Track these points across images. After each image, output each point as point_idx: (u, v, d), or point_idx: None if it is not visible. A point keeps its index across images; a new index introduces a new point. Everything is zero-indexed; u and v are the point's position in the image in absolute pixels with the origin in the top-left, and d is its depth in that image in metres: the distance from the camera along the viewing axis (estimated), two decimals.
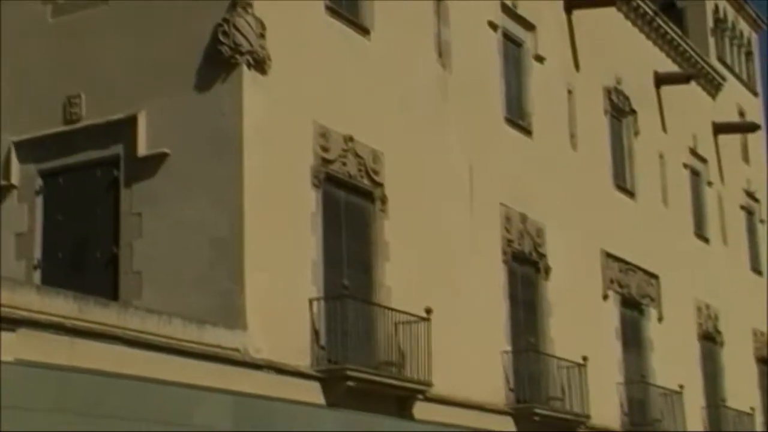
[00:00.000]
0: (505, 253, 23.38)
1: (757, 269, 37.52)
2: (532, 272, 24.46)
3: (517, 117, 24.88)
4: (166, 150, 17.53)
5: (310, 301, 17.89)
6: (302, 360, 17.59)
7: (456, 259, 21.84)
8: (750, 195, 37.84)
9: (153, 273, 17.18)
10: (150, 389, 14.76)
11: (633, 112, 30.06)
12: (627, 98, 29.79)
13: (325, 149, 18.77)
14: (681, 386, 28.81)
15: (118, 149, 17.88)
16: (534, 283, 24.48)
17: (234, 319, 16.54)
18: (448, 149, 22.20)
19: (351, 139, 19.35)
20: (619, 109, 29.57)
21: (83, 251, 17.90)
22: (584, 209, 26.84)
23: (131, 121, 17.77)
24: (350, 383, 17.86)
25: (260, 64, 17.62)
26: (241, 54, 17.37)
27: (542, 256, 24.63)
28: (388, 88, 20.72)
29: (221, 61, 17.39)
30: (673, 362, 29.53)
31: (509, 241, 23.56)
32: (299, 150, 18.36)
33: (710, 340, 32.67)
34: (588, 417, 24.31)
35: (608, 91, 29.07)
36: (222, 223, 17.01)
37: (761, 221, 38.61)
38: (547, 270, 24.70)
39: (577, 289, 25.83)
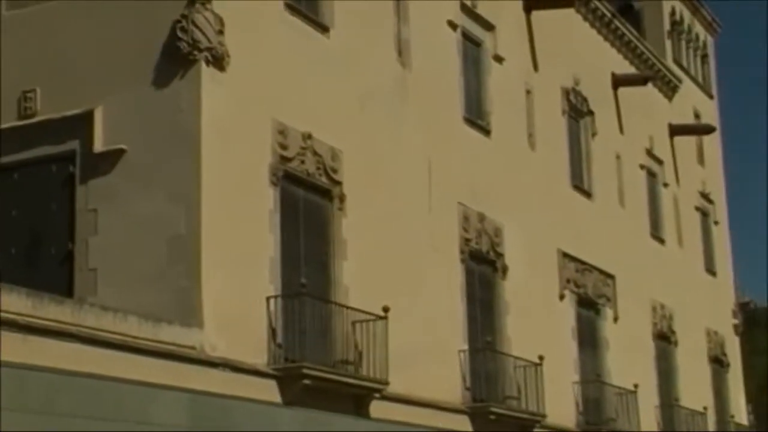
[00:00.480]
0: (462, 252, 23.45)
1: (711, 270, 37.91)
2: (489, 271, 24.54)
3: (476, 116, 24.96)
4: (123, 146, 17.39)
5: (268, 299, 17.83)
6: (259, 358, 17.53)
7: (414, 258, 21.87)
8: (705, 197, 38.23)
9: (109, 270, 17.04)
10: (105, 387, 14.66)
11: (591, 113, 30.26)
12: (585, 99, 29.98)
13: (283, 147, 18.71)
14: (636, 385, 29.03)
15: (74, 145, 17.71)
16: (491, 283, 24.57)
17: (190, 316, 16.45)
18: (406, 148, 22.22)
19: (310, 136, 19.31)
20: (577, 110, 29.75)
21: (38, 247, 17.72)
22: (542, 209, 26.97)
23: (88, 117, 17.60)
24: (307, 381, 17.83)
25: (219, 61, 17.53)
26: (200, 50, 17.27)
27: (500, 255, 24.72)
28: (348, 86, 20.70)
29: (179, 57, 17.28)
30: (628, 362, 29.76)
31: (467, 240, 23.63)
32: (258, 147, 18.29)
33: (665, 339, 32.97)
34: (544, 416, 24.44)
35: (566, 92, 29.24)
36: (179, 221, 16.91)
37: (715, 223, 39.03)
38: (505, 269, 24.80)
39: (534, 288, 25.96)
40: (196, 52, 17.25)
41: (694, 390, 33.88)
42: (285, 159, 18.74)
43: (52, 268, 17.45)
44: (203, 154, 17.09)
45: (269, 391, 17.55)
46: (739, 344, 39.58)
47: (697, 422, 32.90)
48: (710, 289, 37.42)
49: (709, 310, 36.56)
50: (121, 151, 17.39)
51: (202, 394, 16.13)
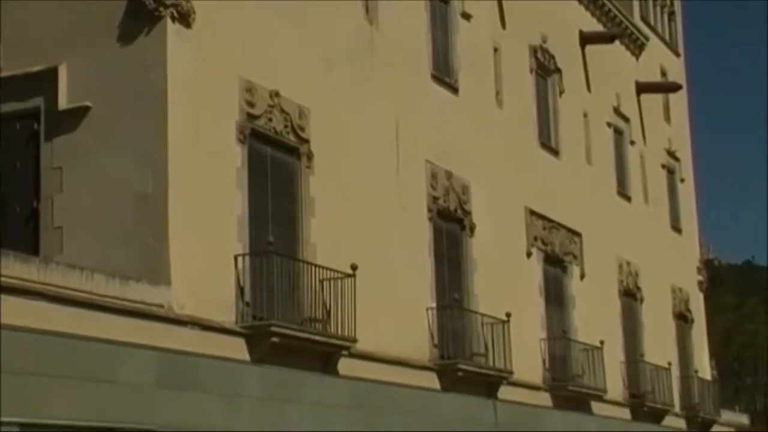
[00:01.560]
0: (430, 210, 23.48)
1: (676, 227, 38.21)
2: (457, 229, 24.61)
3: (444, 74, 24.91)
4: (88, 103, 17.23)
5: (235, 258, 17.80)
6: (227, 316, 17.53)
7: (382, 216, 21.89)
8: (671, 154, 38.44)
9: (74, 228, 16.94)
10: (73, 345, 14.63)
11: (558, 70, 30.27)
12: (552, 57, 29.97)
13: (250, 104, 18.61)
14: (601, 342, 29.31)
15: (38, 102, 17.51)
16: (459, 240, 24.64)
17: (158, 274, 16.41)
18: (374, 106, 22.16)
19: (277, 94, 19.21)
20: (545, 68, 29.75)
21: (2, 206, 17.57)
22: (509, 167, 27.03)
23: (52, 74, 17.40)
24: (275, 339, 17.86)
25: (185, 18, 17.36)
26: (165, 6, 17.09)
27: (467, 213, 24.79)
28: (315, 44, 20.58)
29: (145, 13, 17.10)
30: (595, 318, 30.03)
31: (435, 198, 23.66)
32: (224, 105, 18.18)
33: (630, 296, 33.26)
34: (511, 372, 24.63)
35: (534, 50, 29.21)
36: (145, 178, 16.81)
37: (681, 180, 39.30)
38: (472, 227, 24.87)
39: (502, 246, 26.07)
40: (161, 9, 17.07)
41: (659, 346, 34.26)
42: (252, 117, 18.64)
43: (17, 226, 17.31)
44: (169, 112, 16.97)
45: (237, 349, 17.57)
46: (703, 301, 40.01)
47: (661, 377, 33.30)
48: (675, 246, 37.74)
49: (674, 267, 36.90)
50: (86, 109, 17.22)
51: (171, 352, 16.13)
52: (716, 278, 58.84)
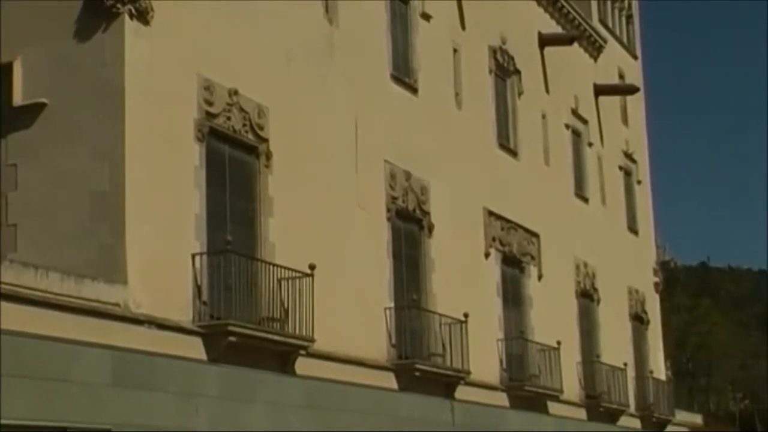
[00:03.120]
0: (389, 210, 23.47)
1: (633, 229, 38.49)
2: (415, 229, 24.62)
3: (403, 74, 24.91)
4: (43, 100, 17.05)
5: (193, 256, 17.70)
6: (184, 315, 17.42)
7: (340, 216, 21.84)
8: (628, 156, 38.71)
9: (29, 226, 16.76)
10: (27, 344, 14.46)
11: (517, 72, 30.37)
12: (511, 58, 30.07)
13: (209, 103, 18.51)
14: (558, 342, 29.44)
15: None
16: (417, 241, 24.65)
17: (114, 273, 16.27)
18: (333, 105, 22.12)
19: (236, 92, 19.11)
20: (504, 69, 29.83)
21: None
22: (468, 168, 27.08)
23: (6, 69, 17.20)
24: (232, 339, 17.77)
25: (143, 15, 17.22)
26: (123, 3, 16.95)
27: (426, 213, 24.80)
28: (274, 42, 20.50)
29: (102, 9, 16.95)
30: (552, 319, 30.16)
31: (393, 198, 23.65)
32: (183, 103, 18.05)
33: (587, 297, 33.45)
34: (468, 372, 24.69)
35: (493, 51, 29.29)
36: (102, 176, 16.67)
37: (638, 182, 39.58)
38: (431, 227, 24.89)
39: (460, 246, 26.11)
40: (119, 5, 16.93)
41: (615, 346, 34.48)
42: (211, 115, 18.53)
43: None
44: (127, 109, 16.83)
45: (194, 348, 17.47)
46: (658, 302, 40.33)
47: (617, 378, 33.52)
48: (632, 247, 38.01)
49: (630, 268, 37.15)
50: (42, 105, 17.05)
51: (127, 351, 16.00)
52: (672, 280, 59.35)
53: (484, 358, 26.20)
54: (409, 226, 24.36)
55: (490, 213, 27.95)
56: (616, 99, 38.22)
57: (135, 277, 16.46)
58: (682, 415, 40.35)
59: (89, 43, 17.04)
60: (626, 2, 40.29)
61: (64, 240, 16.54)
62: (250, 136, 19.50)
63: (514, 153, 29.89)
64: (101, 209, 16.59)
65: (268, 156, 19.80)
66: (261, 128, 19.68)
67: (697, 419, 43.20)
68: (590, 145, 35.28)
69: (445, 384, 24.38)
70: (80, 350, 15.23)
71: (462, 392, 24.85)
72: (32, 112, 17.05)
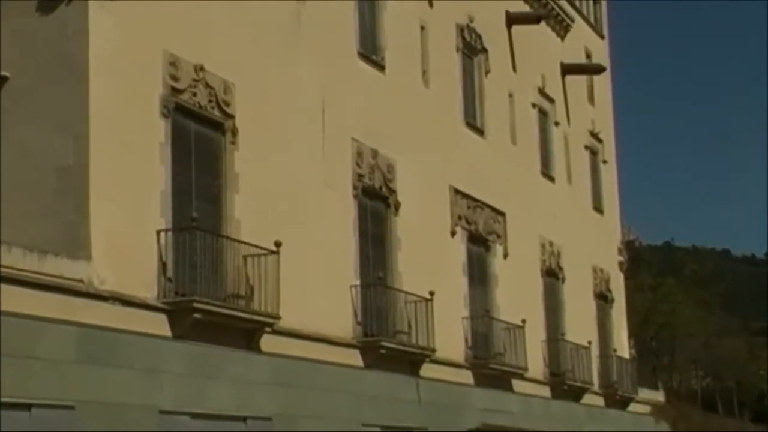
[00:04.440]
0: (355, 187, 23.46)
1: (598, 208, 38.69)
2: (382, 207, 24.63)
3: (370, 52, 24.85)
4: (5, 74, 16.88)
5: (158, 233, 17.63)
6: (149, 292, 17.36)
7: (306, 193, 21.82)
8: (594, 135, 38.87)
9: None
10: None
11: (484, 50, 30.38)
12: (479, 37, 30.07)
13: (174, 78, 18.40)
14: (523, 321, 29.59)
15: None
16: (384, 218, 24.67)
17: (78, 249, 16.17)
18: (300, 82, 22.05)
19: (202, 68, 19.01)
20: (471, 47, 29.83)
21: None
22: (434, 146, 27.10)
23: None
24: (197, 315, 17.74)
25: None
26: None
27: (392, 191, 24.82)
28: (241, 18, 20.39)
29: None
30: (517, 297, 30.30)
31: (360, 176, 23.64)
32: (148, 78, 17.93)
33: (553, 276, 33.63)
34: (433, 350, 24.77)
35: (461, 29, 29.27)
36: (66, 152, 16.54)
37: (604, 161, 39.78)
38: (397, 205, 24.92)
39: (426, 224, 26.16)
40: None
41: (580, 325, 34.71)
42: (176, 91, 18.43)
43: None
44: (91, 85, 16.70)
45: (159, 325, 17.43)
46: (623, 281, 40.61)
47: (581, 356, 33.75)
48: (597, 226, 38.22)
49: (596, 247, 37.38)
50: (4, 79, 16.87)
51: (91, 327, 15.94)
52: (636, 259, 59.72)
53: (450, 336, 26.30)
54: (375, 204, 24.38)
55: (457, 191, 28.01)
56: (582, 78, 38.35)
57: (99, 253, 16.38)
58: (644, 393, 40.73)
59: (52, 16, 16.88)
60: None
61: (27, 216, 16.41)
62: (216, 112, 19.41)
63: (480, 132, 29.94)
64: (65, 185, 16.48)
65: (234, 132, 19.72)
66: (227, 104, 19.59)
67: (659, 396, 43.63)
68: (557, 124, 35.40)
69: (410, 362, 24.47)
70: (44, 327, 15.16)
71: (427, 370, 24.94)
72: None
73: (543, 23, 34.14)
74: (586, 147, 38.17)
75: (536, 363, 30.95)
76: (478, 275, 28.89)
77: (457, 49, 29.18)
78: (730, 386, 78.26)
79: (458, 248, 27.98)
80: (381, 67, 25.14)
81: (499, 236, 30.05)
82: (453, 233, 27.73)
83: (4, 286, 14.67)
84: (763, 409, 67.30)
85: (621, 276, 40.33)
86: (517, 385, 29.70)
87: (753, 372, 77.15)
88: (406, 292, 24.30)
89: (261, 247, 19.35)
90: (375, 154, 24.24)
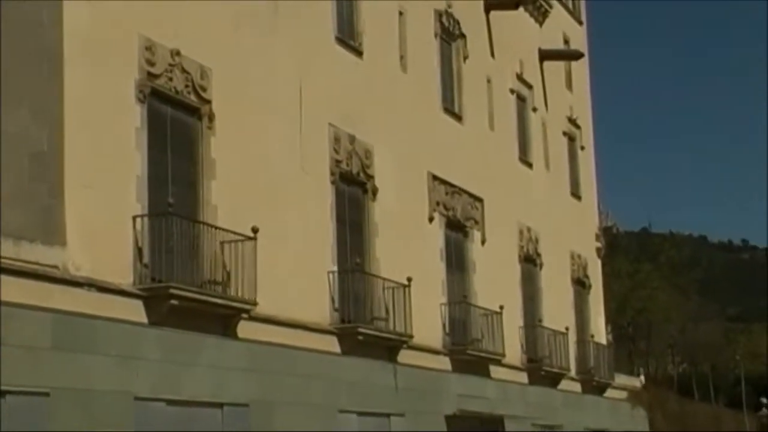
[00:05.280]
0: (333, 173, 23.43)
1: (576, 194, 38.80)
2: (359, 193, 24.62)
3: (348, 37, 24.79)
4: None
5: (134, 218, 17.57)
6: (124, 278, 17.31)
7: (284, 179, 21.78)
8: (572, 122, 38.96)
9: None
10: None
11: (462, 36, 30.37)
12: (457, 22, 30.05)
13: (150, 63, 18.31)
14: (501, 307, 29.67)
15: None
16: (361, 204, 24.66)
17: (53, 235, 16.11)
18: (277, 67, 21.98)
19: (178, 53, 18.93)
20: (449, 33, 29.81)
21: None
22: (412, 132, 27.10)
23: None
24: (173, 302, 17.70)
25: None
26: None
27: (370, 177, 24.80)
28: (218, 3, 20.28)
29: None
30: (495, 284, 30.38)
31: (337, 162, 23.61)
32: (123, 63, 17.83)
33: (530, 262, 33.72)
34: (411, 336, 24.81)
35: (439, 14, 29.24)
36: (41, 137, 16.46)
37: (582, 148, 39.87)
38: (375, 191, 24.91)
39: (404, 210, 26.17)
40: None
41: (557, 311, 34.84)
42: (152, 76, 18.34)
43: None
44: (65, 70, 16.61)
45: (135, 311, 17.38)
46: (600, 267, 40.77)
47: (558, 342, 33.89)
48: (575, 212, 38.34)
49: (573, 233, 37.50)
50: None
51: (67, 314, 15.88)
52: (614, 245, 59.96)
53: (427, 323, 26.34)
54: (352, 190, 24.36)
55: (434, 177, 28.02)
56: (560, 64, 38.39)
57: (75, 239, 16.32)
58: (621, 379, 40.95)
59: (26, 2, 16.76)
60: None
61: (3, 201, 16.31)
62: (193, 97, 19.34)
63: (458, 117, 29.95)
64: (40, 171, 16.40)
65: (211, 118, 19.66)
66: (203, 89, 19.52)
67: (636, 383, 43.87)
68: (535, 110, 35.45)
69: (387, 348, 24.50)
70: (19, 313, 15.08)
71: (405, 356, 24.98)
72: None
73: (521, 9, 34.13)
74: (564, 133, 38.25)
75: (514, 349, 31.04)
76: (456, 261, 28.94)
77: (436, 35, 29.16)
78: (705, 371, 78.76)
79: (436, 234, 28.01)
80: (359, 53, 25.10)
81: (476, 222, 30.09)
82: (431, 219, 27.75)
83: None
84: (737, 394, 67.80)
85: (598, 262, 40.48)
86: (495, 371, 29.79)
87: (729, 357, 77.66)
88: (384, 278, 24.32)
89: (238, 233, 19.31)
90: (352, 139, 24.21)
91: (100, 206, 16.91)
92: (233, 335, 19.49)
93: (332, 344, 22.64)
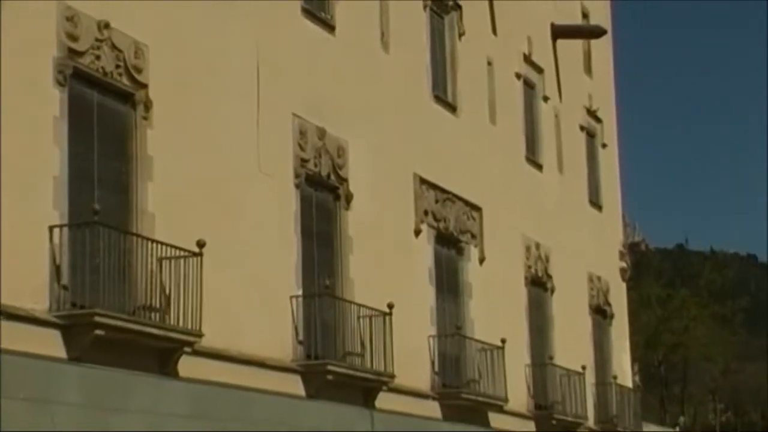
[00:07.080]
0: (297, 175, 23.52)
1: (596, 203, 38.94)
2: (330, 199, 24.72)
3: (317, 8, 24.90)
4: None
5: (51, 229, 17.61)
6: (39, 303, 17.32)
7: (237, 182, 21.85)
8: (592, 114, 39.13)
9: None
10: None
11: (457, 7, 30.52)
12: None
13: (73, 38, 18.36)
14: (503, 340, 29.76)
15: None
16: (332, 213, 24.75)
17: None
18: (231, 45, 22.06)
19: (107, 26, 19.00)
20: (441, 4, 29.97)
21: None
22: (395, 125, 27.20)
23: None
24: (99, 332, 17.73)
25: None
26: None
27: (343, 180, 24.89)
28: None
29: None
30: (496, 312, 30.47)
31: (303, 161, 23.70)
32: (39, 38, 17.87)
33: (539, 285, 33.85)
34: (392, 376, 24.89)
35: None
36: None
37: (603, 145, 40.03)
38: (349, 197, 25.00)
39: (385, 221, 26.26)
40: None
41: (572, 346, 34.96)
42: (75, 53, 18.40)
43: None
44: None
45: (52, 343, 17.39)
46: (625, 292, 40.94)
47: (573, 384, 33.99)
48: (595, 225, 38.50)
49: (592, 250, 37.65)
50: None
51: None
52: (642, 265, 60.30)
53: (412, 359, 26.42)
54: (322, 196, 24.45)
55: (422, 181, 28.12)
56: (578, 44, 38.60)
57: None
58: (651, 429, 41.09)
59: None
60: None
61: None
62: (125, 80, 19.41)
63: (452, 108, 30.07)
64: None
65: (148, 106, 19.73)
66: (138, 71, 19.59)
67: None
68: (546, 99, 35.62)
69: (363, 390, 24.57)
70: None
71: (384, 400, 25.07)
72: None
73: None
74: (582, 127, 38.43)
75: (518, 392, 31.14)
76: (448, 284, 29.03)
77: (425, 6, 29.29)
78: (754, 420, 79.24)
79: (424, 250, 28.10)
80: (330, 27, 25.19)
81: (473, 236, 30.20)
82: (417, 232, 27.85)
83: None
84: None
85: (623, 286, 40.67)
86: (495, 419, 29.89)
87: None
88: (360, 305, 24.39)
89: (180, 248, 19.37)
90: (322, 133, 24.30)
91: (9, 214, 16.90)
92: (173, 374, 19.51)
93: (296, 385, 22.70)
